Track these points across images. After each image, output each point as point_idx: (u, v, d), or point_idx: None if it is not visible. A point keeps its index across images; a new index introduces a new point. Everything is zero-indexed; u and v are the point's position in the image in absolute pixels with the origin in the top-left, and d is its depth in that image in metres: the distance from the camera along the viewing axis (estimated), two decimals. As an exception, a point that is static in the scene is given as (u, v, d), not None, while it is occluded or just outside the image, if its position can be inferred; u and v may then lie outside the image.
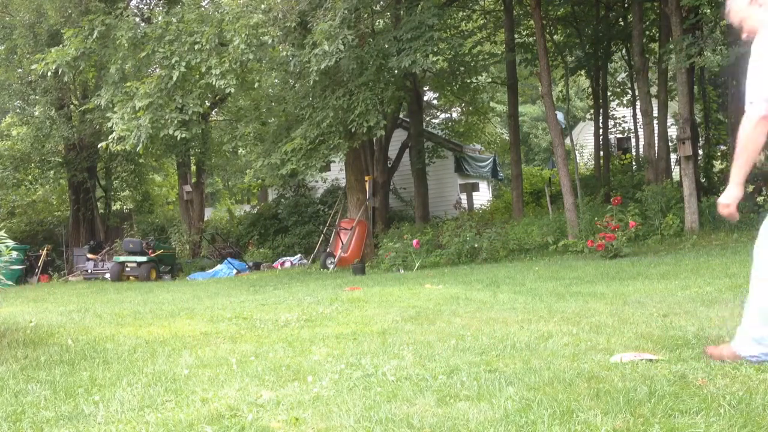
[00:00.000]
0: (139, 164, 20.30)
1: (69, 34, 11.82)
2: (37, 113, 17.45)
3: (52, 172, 19.98)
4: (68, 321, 6.28)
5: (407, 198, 19.21)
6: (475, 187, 22.17)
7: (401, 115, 18.07)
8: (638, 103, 15.35)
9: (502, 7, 16.22)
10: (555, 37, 18.09)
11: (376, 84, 11.77)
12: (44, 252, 17.33)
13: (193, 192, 19.30)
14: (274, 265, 16.03)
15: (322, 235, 16.17)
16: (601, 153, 17.96)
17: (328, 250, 13.82)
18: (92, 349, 4.62)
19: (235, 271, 14.94)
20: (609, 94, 18.68)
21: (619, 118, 19.92)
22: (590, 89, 19.10)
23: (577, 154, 20.58)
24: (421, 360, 3.61)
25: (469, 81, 18.39)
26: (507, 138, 21.80)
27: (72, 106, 18.40)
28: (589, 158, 22.61)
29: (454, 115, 24.42)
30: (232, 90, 11.37)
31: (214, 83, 10.92)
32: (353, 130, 11.76)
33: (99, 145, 13.12)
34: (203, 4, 14.54)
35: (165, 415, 2.85)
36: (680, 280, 5.92)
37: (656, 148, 13.59)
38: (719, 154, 15.92)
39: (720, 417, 2.35)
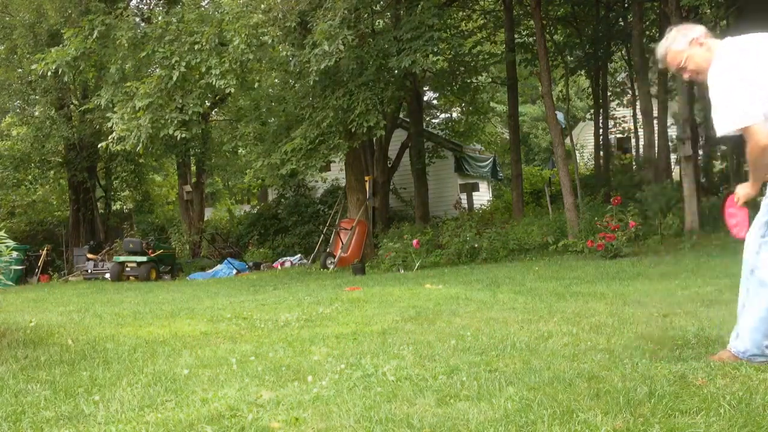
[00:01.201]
0: (139, 164, 20.30)
1: (69, 34, 11.80)
2: (37, 113, 17.45)
3: (52, 172, 19.98)
4: (68, 321, 6.28)
5: (407, 198, 19.20)
6: (475, 187, 22.16)
7: (401, 115, 18.06)
8: (638, 103, 15.35)
9: (502, 7, 16.22)
10: (555, 37, 18.10)
11: (376, 84, 11.76)
12: (44, 252, 17.31)
13: (193, 192, 19.30)
14: (274, 265, 16.02)
15: (322, 235, 16.16)
16: (601, 153, 17.97)
17: (328, 250, 13.82)
18: (92, 349, 4.62)
19: (235, 271, 14.94)
20: (609, 94, 18.69)
21: (619, 118, 19.91)
22: (590, 89, 19.12)
23: (577, 154, 20.56)
24: (421, 360, 3.61)
25: (469, 81, 18.38)
26: (507, 138, 21.80)
27: (72, 106, 18.38)
28: (589, 158, 22.62)
29: (454, 115, 24.40)
30: (232, 90, 11.37)
31: (214, 83, 10.91)
32: (353, 130, 11.76)
33: (99, 145, 13.09)
34: (203, 4, 14.52)
35: (165, 415, 2.85)
36: (680, 280, 5.92)
37: (656, 148, 13.58)
38: (719, 154, 15.90)
39: (720, 417, 2.35)
